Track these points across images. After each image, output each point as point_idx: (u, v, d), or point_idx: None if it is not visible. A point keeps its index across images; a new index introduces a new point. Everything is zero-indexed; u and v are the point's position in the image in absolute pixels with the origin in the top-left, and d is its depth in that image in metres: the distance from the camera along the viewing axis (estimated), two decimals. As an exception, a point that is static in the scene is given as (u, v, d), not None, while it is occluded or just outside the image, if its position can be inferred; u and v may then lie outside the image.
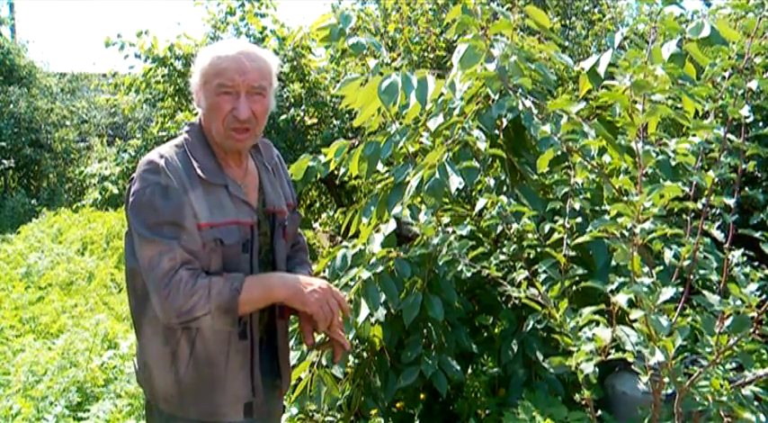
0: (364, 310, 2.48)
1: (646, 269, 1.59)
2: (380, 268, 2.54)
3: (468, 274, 2.04)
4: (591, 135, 2.12)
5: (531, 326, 2.10)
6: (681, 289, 1.65)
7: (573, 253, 1.99)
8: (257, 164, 1.80)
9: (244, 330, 1.67)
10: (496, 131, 2.70)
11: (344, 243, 2.87)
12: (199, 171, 1.62)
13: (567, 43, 6.15)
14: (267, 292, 1.62)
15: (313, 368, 2.58)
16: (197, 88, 1.67)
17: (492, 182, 2.63)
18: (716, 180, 1.73)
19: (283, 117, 6.91)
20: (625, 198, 1.53)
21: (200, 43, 7.84)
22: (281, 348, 1.83)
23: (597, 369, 1.57)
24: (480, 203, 2.21)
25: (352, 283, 2.58)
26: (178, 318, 1.54)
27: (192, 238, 1.56)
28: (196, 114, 1.78)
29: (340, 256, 2.79)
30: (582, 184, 2.42)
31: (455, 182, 2.39)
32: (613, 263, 1.59)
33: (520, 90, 2.46)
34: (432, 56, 6.05)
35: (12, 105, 11.42)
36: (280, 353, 1.83)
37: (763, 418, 1.58)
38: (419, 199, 2.57)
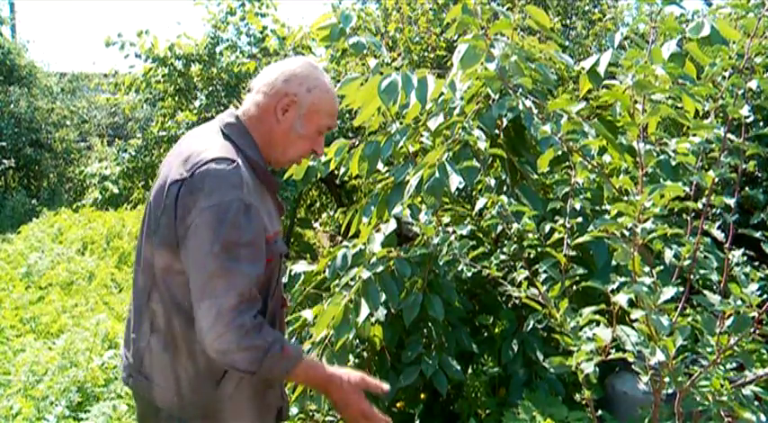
0: (364, 309, 2.48)
1: (646, 269, 1.59)
2: (381, 268, 2.54)
3: (469, 274, 2.04)
4: (591, 135, 2.11)
5: (531, 326, 2.10)
6: (681, 289, 1.65)
7: (573, 253, 1.99)
8: None
9: None
10: (497, 131, 2.70)
11: (345, 243, 2.87)
12: (267, 175, 1.61)
13: (567, 43, 6.15)
14: (314, 385, 1.65)
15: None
16: (299, 109, 1.62)
17: (492, 181, 2.63)
18: (716, 180, 1.73)
19: (283, 117, 6.90)
20: (625, 198, 1.54)
21: (200, 43, 7.84)
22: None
23: (597, 369, 1.57)
24: (480, 203, 2.21)
25: (352, 283, 2.58)
26: (218, 358, 1.46)
27: (263, 260, 1.51)
28: (221, 110, 1.76)
29: (340, 256, 2.79)
30: (582, 184, 2.41)
31: (455, 181, 2.39)
32: (614, 263, 1.59)
33: (520, 90, 2.46)
34: (432, 55, 6.05)
35: (12, 105, 11.41)
36: None
37: (763, 417, 1.58)
38: (419, 199, 2.57)
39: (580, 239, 1.78)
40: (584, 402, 1.75)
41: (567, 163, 2.41)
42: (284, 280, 2.89)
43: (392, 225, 2.67)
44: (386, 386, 1.60)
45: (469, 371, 2.92)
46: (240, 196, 1.46)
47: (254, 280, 1.47)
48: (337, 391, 1.58)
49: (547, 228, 2.01)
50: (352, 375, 1.58)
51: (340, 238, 6.95)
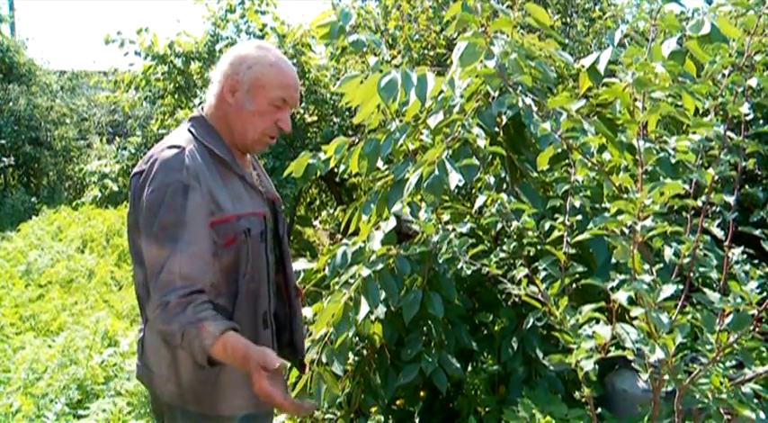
0: (364, 307, 2.48)
1: (646, 267, 1.59)
2: (380, 266, 2.54)
3: (468, 272, 2.04)
4: (591, 132, 2.11)
5: (530, 323, 2.10)
6: (681, 286, 1.65)
7: (573, 250, 1.99)
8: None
9: (266, 320, 1.72)
10: (496, 129, 2.70)
11: (345, 241, 2.87)
12: (226, 160, 1.66)
13: (567, 41, 6.14)
14: (235, 363, 1.52)
15: (313, 366, 2.58)
16: (242, 87, 1.67)
17: (492, 179, 2.63)
18: (716, 178, 1.73)
19: (283, 114, 6.89)
20: (625, 195, 1.53)
21: (200, 41, 7.83)
22: (296, 328, 1.89)
23: (597, 366, 1.57)
24: (480, 201, 2.20)
25: (352, 281, 2.58)
26: (160, 333, 1.56)
27: (203, 238, 1.55)
28: (195, 107, 1.80)
29: (340, 254, 2.79)
30: (582, 182, 2.41)
31: (455, 179, 2.39)
32: (613, 260, 1.59)
33: (520, 87, 2.45)
34: (432, 53, 6.04)
35: (11, 103, 11.40)
36: (296, 333, 1.89)
37: (762, 415, 1.58)
38: (419, 196, 2.57)
39: (580, 237, 1.78)
40: (583, 400, 1.75)
41: (567, 161, 2.41)
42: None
43: (392, 223, 2.67)
44: (275, 362, 1.47)
45: (469, 369, 2.92)
46: (179, 178, 1.54)
47: (193, 259, 1.52)
48: (249, 369, 1.53)
49: (546, 225, 2.01)
50: (255, 354, 1.48)
51: (340, 236, 6.95)
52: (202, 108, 1.76)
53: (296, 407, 1.50)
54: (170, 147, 1.61)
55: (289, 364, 1.59)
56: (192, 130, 1.69)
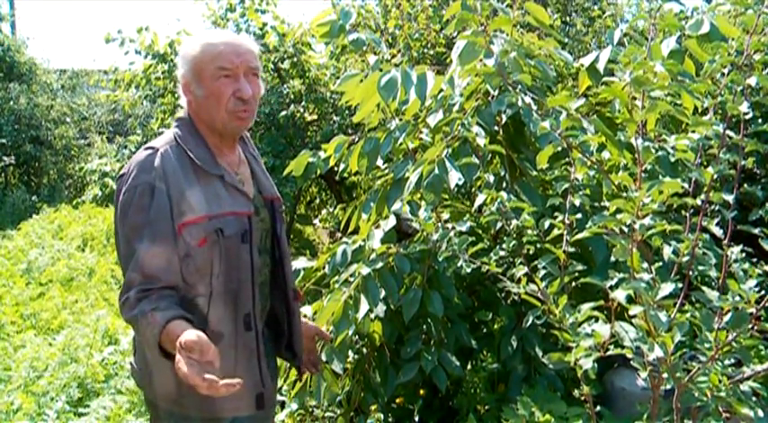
0: (364, 305, 2.48)
1: (645, 265, 1.60)
2: (380, 264, 2.54)
3: (468, 270, 2.04)
4: (590, 131, 2.12)
5: (530, 322, 2.10)
6: (680, 285, 1.65)
7: (572, 249, 2.00)
8: (246, 153, 1.83)
9: (248, 322, 1.69)
10: (496, 128, 2.70)
11: (344, 239, 2.88)
12: (197, 162, 1.64)
13: (566, 40, 6.14)
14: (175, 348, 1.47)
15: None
16: (188, 79, 1.67)
17: (491, 178, 2.63)
18: (715, 176, 1.73)
19: (283, 113, 6.89)
20: (624, 194, 1.54)
21: (200, 40, 7.82)
22: (295, 330, 1.89)
23: (596, 365, 1.57)
24: (480, 199, 2.20)
25: (351, 279, 2.59)
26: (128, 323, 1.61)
27: (168, 238, 1.57)
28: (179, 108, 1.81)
29: (340, 252, 2.79)
30: (581, 181, 2.42)
31: (455, 178, 2.39)
32: (613, 259, 1.59)
33: (519, 86, 2.46)
34: (431, 52, 6.04)
35: (12, 102, 11.41)
36: (294, 335, 1.89)
37: (761, 413, 1.58)
38: (419, 195, 2.57)
39: (579, 236, 1.78)
40: (582, 398, 1.75)
41: (567, 159, 2.41)
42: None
43: (391, 221, 2.68)
44: (188, 338, 1.41)
45: (469, 367, 2.93)
46: (148, 179, 1.58)
47: (155, 258, 1.55)
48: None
49: (546, 224, 2.02)
50: (181, 337, 1.42)
51: (339, 235, 6.95)
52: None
53: (212, 385, 1.36)
54: (145, 149, 1.65)
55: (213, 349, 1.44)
56: (176, 131, 1.71)
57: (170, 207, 1.57)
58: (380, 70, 2.71)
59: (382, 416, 2.77)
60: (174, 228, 1.58)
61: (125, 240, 1.59)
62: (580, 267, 1.94)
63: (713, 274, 1.75)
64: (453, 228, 2.28)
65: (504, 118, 2.63)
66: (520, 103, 2.38)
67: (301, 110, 7.16)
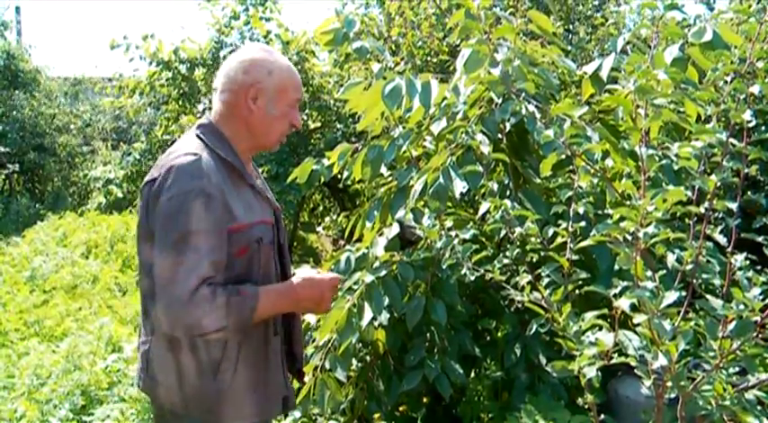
0: (368, 313, 2.48)
1: (649, 273, 1.60)
2: (384, 272, 2.54)
3: (472, 278, 2.04)
4: (594, 139, 2.12)
5: (534, 330, 2.10)
6: (684, 293, 1.65)
7: (576, 257, 1.99)
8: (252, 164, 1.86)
9: (275, 327, 1.74)
10: (500, 135, 2.71)
11: (348, 247, 2.88)
12: (236, 169, 1.66)
13: (569, 48, 6.14)
14: (277, 309, 1.69)
15: (316, 372, 2.59)
16: (266, 93, 1.68)
17: (495, 186, 2.63)
18: (718, 184, 1.73)
19: (287, 121, 6.92)
20: (628, 202, 1.54)
21: (204, 47, 7.86)
22: (295, 338, 1.90)
23: (600, 373, 1.57)
24: (483, 207, 2.20)
25: (355, 287, 2.59)
26: (187, 331, 1.54)
27: (223, 247, 1.56)
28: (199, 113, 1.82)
29: (344, 260, 2.79)
30: (585, 188, 2.42)
31: (459, 186, 2.40)
32: (616, 267, 1.59)
33: (523, 94, 2.46)
34: (435, 60, 6.05)
35: (16, 110, 11.46)
36: (295, 343, 1.90)
37: (766, 422, 1.58)
38: (422, 203, 2.57)
39: (583, 244, 1.78)
40: (586, 407, 1.75)
41: (570, 167, 2.41)
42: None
43: (395, 229, 2.68)
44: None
45: (472, 375, 2.92)
46: (200, 185, 1.54)
47: (213, 264, 1.53)
48: (310, 290, 1.70)
49: (550, 232, 2.01)
50: (315, 277, 1.74)
51: (343, 243, 6.95)
52: (210, 116, 1.75)
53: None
54: (186, 154, 1.60)
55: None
56: (203, 137, 1.67)
57: (220, 213, 1.56)
58: (384, 78, 2.71)
59: (386, 424, 2.76)
60: (224, 235, 1.57)
61: (173, 247, 1.52)
62: (584, 275, 1.93)
63: (717, 282, 1.75)
64: (457, 235, 2.28)
65: (508, 126, 2.63)
66: (523, 111, 2.38)
67: (305, 117, 7.18)
